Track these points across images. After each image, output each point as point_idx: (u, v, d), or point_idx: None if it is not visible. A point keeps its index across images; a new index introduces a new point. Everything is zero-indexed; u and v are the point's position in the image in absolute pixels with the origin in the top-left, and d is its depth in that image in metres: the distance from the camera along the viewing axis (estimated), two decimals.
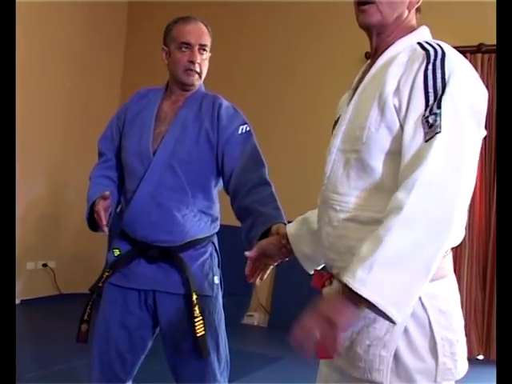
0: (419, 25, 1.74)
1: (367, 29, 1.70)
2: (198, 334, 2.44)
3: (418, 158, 1.43)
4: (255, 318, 6.02)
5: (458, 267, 5.10)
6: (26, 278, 5.94)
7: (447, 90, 1.48)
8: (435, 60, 1.53)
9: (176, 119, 2.55)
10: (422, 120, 1.47)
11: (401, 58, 1.59)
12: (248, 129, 2.55)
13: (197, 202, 2.53)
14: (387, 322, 1.49)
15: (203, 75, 2.59)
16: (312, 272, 1.94)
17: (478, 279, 5.20)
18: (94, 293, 2.59)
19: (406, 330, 1.52)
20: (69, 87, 6.45)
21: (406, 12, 1.68)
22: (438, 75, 1.50)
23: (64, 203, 6.41)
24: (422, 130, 1.46)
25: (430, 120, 1.46)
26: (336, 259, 1.65)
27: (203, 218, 2.56)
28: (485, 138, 5.16)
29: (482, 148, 5.43)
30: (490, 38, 5.23)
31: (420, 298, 1.51)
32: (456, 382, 1.60)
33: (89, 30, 6.68)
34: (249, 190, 2.42)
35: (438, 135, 1.43)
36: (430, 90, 1.49)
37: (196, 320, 2.45)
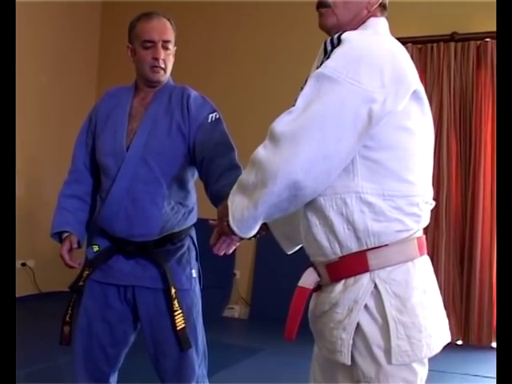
0: (393, 18, 1.80)
1: (326, 31, 1.77)
2: (179, 328, 2.47)
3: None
4: (236, 310, 6.04)
5: (436, 254, 5.15)
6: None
7: (318, 70, 1.58)
8: (332, 46, 1.65)
9: (146, 115, 2.56)
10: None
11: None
12: (217, 116, 2.56)
13: (172, 193, 2.54)
14: (347, 307, 1.61)
15: (168, 70, 2.60)
16: (289, 252, 2.07)
17: (456, 265, 5.26)
18: (74, 293, 2.59)
19: (364, 310, 1.59)
20: (45, 84, 6.41)
21: (365, 11, 1.72)
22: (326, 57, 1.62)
23: (41, 201, 6.37)
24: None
25: (296, 98, 1.60)
26: (307, 247, 1.76)
27: (180, 210, 2.57)
28: (458, 124, 5.17)
29: (456, 137, 5.46)
30: (463, 27, 5.28)
31: (375, 284, 1.60)
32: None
33: (63, 29, 6.65)
34: (219, 175, 2.44)
35: (292, 109, 1.57)
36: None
37: (176, 314, 2.48)
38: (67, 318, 2.58)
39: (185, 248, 2.61)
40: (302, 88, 1.59)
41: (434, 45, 5.34)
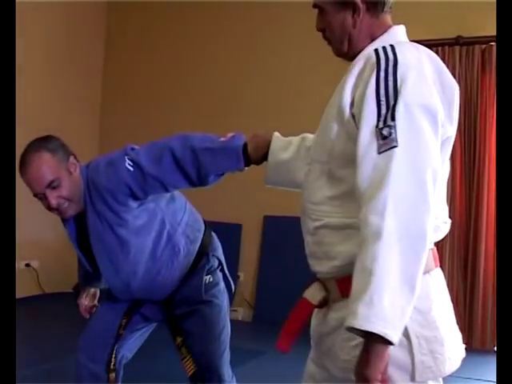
0: (396, 21, 1.73)
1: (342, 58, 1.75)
2: (189, 374, 2.53)
3: (379, 173, 1.42)
4: (240, 312, 6.04)
5: (440, 258, 5.11)
6: None
7: (400, 99, 1.46)
8: (387, 67, 1.51)
9: (91, 237, 2.46)
10: (376, 131, 1.46)
11: (357, 68, 1.59)
12: (131, 157, 2.34)
13: (166, 249, 2.52)
14: None
15: (74, 193, 2.39)
16: (269, 185, 2.07)
17: (460, 270, 5.25)
18: (116, 341, 2.60)
19: None
20: (49, 84, 6.43)
21: (353, 30, 1.66)
22: (390, 83, 1.48)
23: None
24: (375, 141, 1.45)
25: (385, 132, 1.44)
26: (315, 264, 1.68)
27: (188, 243, 2.57)
28: (463, 129, 5.14)
29: (461, 142, 5.41)
30: (468, 31, 5.27)
31: None
32: None
33: (69, 29, 6.68)
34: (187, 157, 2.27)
35: (395, 149, 1.42)
36: (382, 98, 1.48)
37: (184, 360, 2.54)
38: (112, 366, 2.58)
39: (204, 266, 2.63)
40: (380, 128, 1.45)
41: (439, 48, 5.33)
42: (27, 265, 6.26)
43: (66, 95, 6.60)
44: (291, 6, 5.88)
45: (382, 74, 1.50)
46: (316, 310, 1.70)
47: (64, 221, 2.53)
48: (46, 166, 2.34)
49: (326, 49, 1.79)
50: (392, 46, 1.55)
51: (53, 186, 2.34)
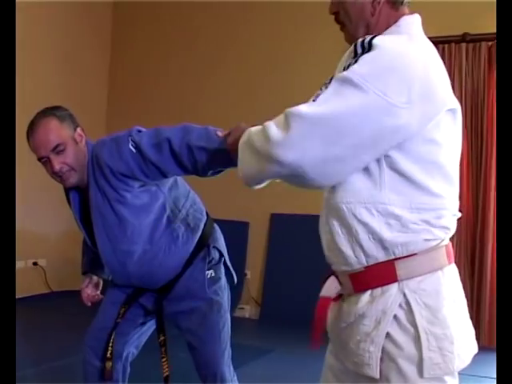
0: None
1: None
2: (165, 374, 2.57)
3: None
4: (246, 310, 6.05)
5: None
6: (16, 276, 5.92)
7: (349, 69, 1.50)
8: (363, 42, 1.54)
9: (92, 211, 2.51)
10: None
11: (347, 54, 1.64)
12: (134, 139, 2.39)
13: (164, 234, 2.54)
14: (374, 318, 1.55)
15: (78, 163, 2.46)
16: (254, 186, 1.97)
17: (467, 266, 5.25)
18: (114, 330, 2.60)
19: (393, 322, 1.54)
20: (55, 84, 6.45)
21: (372, 19, 1.66)
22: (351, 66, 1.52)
23: (53, 201, 6.40)
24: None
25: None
26: (330, 255, 1.68)
27: (188, 230, 2.58)
28: (470, 126, 5.13)
29: (468, 138, 5.40)
30: (475, 28, 5.27)
31: (404, 294, 1.54)
32: None
33: (75, 29, 6.70)
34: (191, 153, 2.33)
35: (321, 92, 1.48)
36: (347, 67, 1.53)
37: (162, 360, 2.57)
38: (108, 354, 2.58)
39: (203, 259, 2.63)
40: (325, 84, 1.50)
41: (446, 45, 5.33)
42: (35, 263, 6.29)
43: (70, 96, 6.61)
44: (305, 5, 5.89)
45: (359, 48, 1.54)
46: (332, 303, 1.71)
47: (68, 193, 2.58)
48: (53, 130, 2.43)
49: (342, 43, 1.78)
50: (374, 37, 1.55)
51: (58, 150, 2.41)
